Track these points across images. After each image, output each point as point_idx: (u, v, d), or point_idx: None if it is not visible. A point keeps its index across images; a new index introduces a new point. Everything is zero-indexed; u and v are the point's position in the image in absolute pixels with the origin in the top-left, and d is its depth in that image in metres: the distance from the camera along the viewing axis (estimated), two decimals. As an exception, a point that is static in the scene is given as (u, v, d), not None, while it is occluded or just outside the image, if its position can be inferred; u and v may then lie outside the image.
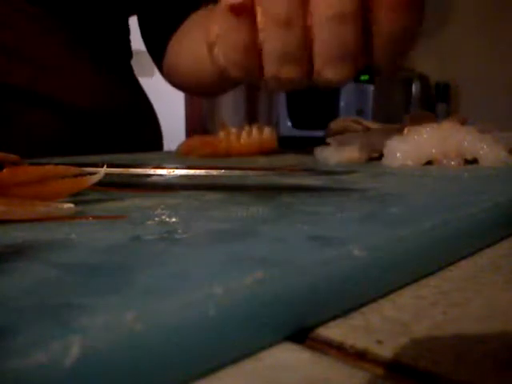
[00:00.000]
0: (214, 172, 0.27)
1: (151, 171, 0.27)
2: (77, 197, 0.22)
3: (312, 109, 1.90)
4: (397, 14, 0.27)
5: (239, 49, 0.30)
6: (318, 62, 0.29)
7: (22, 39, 0.50)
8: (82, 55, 0.55)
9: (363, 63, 0.30)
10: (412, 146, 0.38)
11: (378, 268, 0.16)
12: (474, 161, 0.38)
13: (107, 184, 0.24)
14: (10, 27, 0.49)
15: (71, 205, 0.20)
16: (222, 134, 0.50)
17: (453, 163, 0.38)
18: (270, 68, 0.30)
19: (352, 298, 0.15)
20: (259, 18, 0.29)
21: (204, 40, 0.34)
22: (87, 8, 0.54)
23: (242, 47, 0.30)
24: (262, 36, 0.29)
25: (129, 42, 0.63)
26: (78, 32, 0.54)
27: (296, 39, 0.28)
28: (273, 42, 0.29)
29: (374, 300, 0.15)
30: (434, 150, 0.38)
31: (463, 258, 0.19)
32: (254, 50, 0.30)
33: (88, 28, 0.55)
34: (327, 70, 0.29)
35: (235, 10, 0.29)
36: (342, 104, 1.87)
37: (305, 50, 0.29)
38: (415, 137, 0.38)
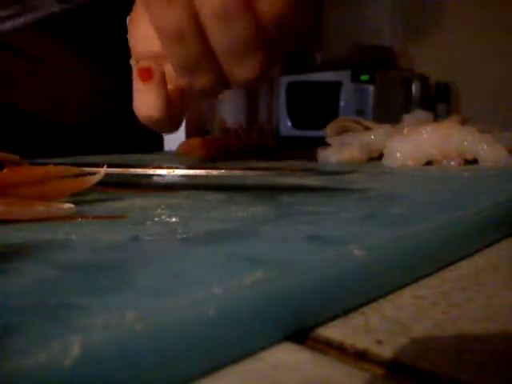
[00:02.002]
0: (213, 172, 0.27)
1: (151, 171, 0.27)
2: (77, 197, 0.22)
3: (312, 109, 1.90)
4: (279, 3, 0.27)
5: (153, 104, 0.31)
6: (224, 64, 0.29)
7: (21, 38, 0.50)
8: (81, 54, 0.55)
9: (273, 55, 0.30)
10: (412, 146, 0.38)
11: (378, 268, 0.16)
12: (474, 161, 0.38)
13: (107, 184, 0.24)
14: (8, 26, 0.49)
15: (71, 205, 0.20)
16: (221, 134, 0.50)
17: (453, 163, 0.38)
18: (183, 83, 0.31)
19: (352, 298, 0.15)
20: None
21: None
22: (86, 7, 0.54)
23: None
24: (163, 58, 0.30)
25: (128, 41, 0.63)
26: (76, 31, 0.54)
27: (193, 49, 0.28)
28: (173, 59, 0.29)
29: (373, 300, 0.15)
30: (433, 150, 0.38)
31: (463, 258, 0.19)
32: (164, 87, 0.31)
33: (87, 27, 0.55)
34: (236, 69, 0.29)
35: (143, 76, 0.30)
36: (341, 104, 1.87)
37: (207, 57, 0.29)
38: (415, 137, 0.38)
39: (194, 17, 0.27)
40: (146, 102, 0.31)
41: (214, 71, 0.29)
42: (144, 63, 0.30)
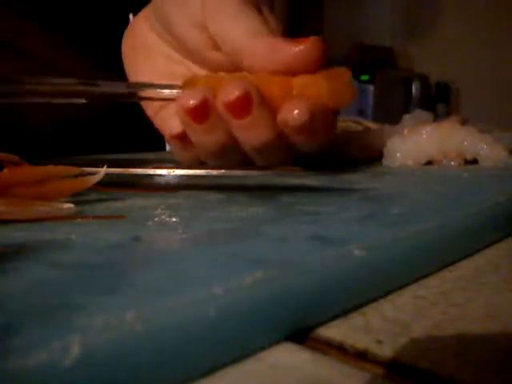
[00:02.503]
0: (213, 172, 0.27)
1: (151, 171, 0.27)
2: (77, 197, 0.22)
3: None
4: (314, 139, 0.29)
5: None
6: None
7: (20, 37, 0.50)
8: (81, 53, 0.55)
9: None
10: (412, 146, 0.38)
11: (377, 268, 0.16)
12: (474, 161, 0.38)
13: (107, 184, 0.24)
14: (8, 25, 0.49)
15: (71, 205, 0.20)
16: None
17: (453, 163, 0.38)
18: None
19: (352, 298, 0.15)
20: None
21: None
22: (86, 6, 0.54)
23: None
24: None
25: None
26: (76, 30, 0.54)
27: (233, 160, 0.30)
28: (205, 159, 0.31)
29: (374, 300, 0.15)
30: (433, 150, 0.38)
31: (463, 258, 0.19)
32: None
33: (87, 25, 0.55)
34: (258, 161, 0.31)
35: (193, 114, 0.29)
36: (341, 104, 1.86)
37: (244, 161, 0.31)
38: (415, 137, 0.38)
39: (234, 140, 0.28)
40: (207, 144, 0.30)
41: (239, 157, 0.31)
42: (190, 99, 0.28)
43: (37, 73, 0.51)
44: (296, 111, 0.26)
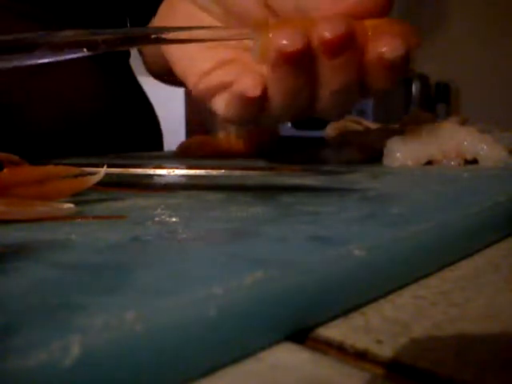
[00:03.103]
0: (213, 172, 0.27)
1: (151, 171, 0.27)
2: (77, 197, 0.22)
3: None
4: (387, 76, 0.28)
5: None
6: (320, 112, 0.30)
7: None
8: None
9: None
10: (412, 146, 0.38)
11: (377, 268, 0.16)
12: (474, 161, 0.38)
13: (107, 184, 0.24)
14: (7, 25, 0.49)
15: (71, 205, 0.20)
16: (221, 134, 0.50)
17: (453, 163, 0.38)
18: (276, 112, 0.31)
19: (352, 298, 0.15)
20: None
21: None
22: (85, 7, 0.54)
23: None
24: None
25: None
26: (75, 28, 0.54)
27: (300, 103, 0.29)
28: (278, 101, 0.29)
29: (374, 300, 0.15)
30: (434, 150, 0.38)
31: (463, 258, 0.19)
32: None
33: (86, 27, 0.55)
34: (330, 109, 0.31)
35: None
36: (341, 104, 1.86)
37: (308, 107, 0.30)
38: (415, 137, 0.38)
39: (313, 83, 0.28)
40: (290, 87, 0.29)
41: (305, 113, 0.31)
42: (291, 40, 0.26)
43: (37, 73, 0.51)
44: (395, 45, 0.26)
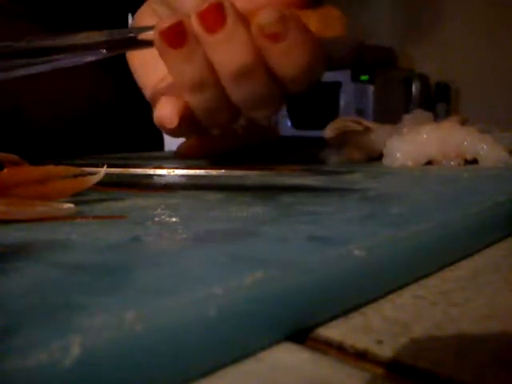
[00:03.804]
0: (213, 172, 0.27)
1: (151, 171, 0.27)
2: (77, 197, 0.22)
3: (312, 109, 1.90)
4: (289, 58, 0.27)
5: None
6: (242, 109, 0.30)
7: (19, 38, 0.50)
8: None
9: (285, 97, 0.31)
10: (412, 146, 0.38)
11: (377, 268, 0.16)
12: (474, 161, 0.38)
13: (107, 184, 0.24)
14: (6, 26, 0.49)
15: (71, 205, 0.20)
16: (219, 132, 0.50)
17: (453, 163, 0.38)
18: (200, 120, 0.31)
19: (352, 298, 0.15)
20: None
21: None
22: (84, 8, 0.54)
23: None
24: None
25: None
26: (75, 29, 0.54)
27: (212, 98, 0.29)
28: (193, 105, 0.29)
29: (374, 300, 0.15)
30: (433, 150, 0.38)
31: (463, 258, 0.19)
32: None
33: (86, 26, 0.55)
34: (253, 114, 0.31)
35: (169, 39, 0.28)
36: (341, 104, 1.87)
37: (225, 103, 0.29)
38: (415, 137, 0.38)
39: (212, 71, 0.27)
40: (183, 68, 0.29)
41: (231, 113, 0.30)
42: (165, 22, 0.27)
43: (35, 73, 0.50)
44: (266, 11, 0.26)
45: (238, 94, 0.28)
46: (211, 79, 0.28)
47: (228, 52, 0.27)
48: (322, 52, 0.29)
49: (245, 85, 0.28)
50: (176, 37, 0.27)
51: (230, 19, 0.26)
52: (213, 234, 0.17)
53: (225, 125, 0.32)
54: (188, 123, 0.30)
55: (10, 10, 0.50)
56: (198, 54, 0.27)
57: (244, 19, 0.26)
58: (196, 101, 0.29)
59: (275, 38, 0.26)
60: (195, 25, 0.26)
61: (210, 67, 0.28)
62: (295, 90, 0.30)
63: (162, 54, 0.28)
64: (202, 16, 0.26)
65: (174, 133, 0.32)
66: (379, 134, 0.42)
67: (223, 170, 0.26)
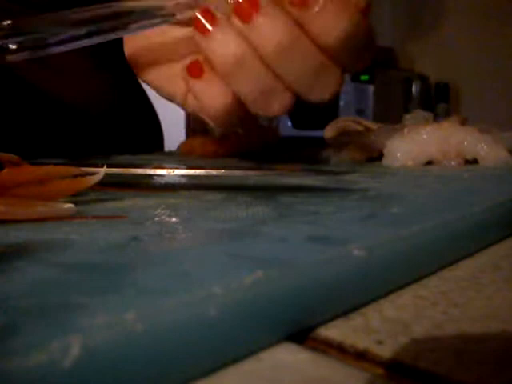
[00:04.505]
0: (213, 172, 0.27)
1: (151, 171, 0.27)
2: (77, 197, 0.22)
3: (312, 109, 1.90)
4: (325, 24, 0.27)
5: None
6: (298, 88, 0.29)
7: None
8: (79, 53, 0.55)
9: (348, 65, 0.29)
10: (412, 146, 0.38)
11: (378, 268, 0.16)
12: (474, 161, 0.38)
13: (107, 184, 0.24)
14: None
15: (71, 205, 0.20)
16: (219, 132, 0.51)
17: (453, 163, 0.38)
18: (260, 112, 0.30)
19: (352, 298, 0.15)
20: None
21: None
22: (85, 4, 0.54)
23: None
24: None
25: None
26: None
27: (259, 77, 0.28)
28: (244, 91, 0.29)
29: (373, 300, 0.15)
30: (433, 150, 0.38)
31: (463, 258, 0.19)
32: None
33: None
34: (312, 91, 0.29)
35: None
36: (341, 104, 1.87)
37: (277, 83, 0.28)
38: (415, 137, 0.38)
39: (254, 50, 0.27)
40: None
41: (288, 96, 0.29)
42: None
43: (37, 74, 0.51)
44: None
45: (287, 71, 0.28)
46: (254, 57, 0.28)
47: (264, 32, 0.27)
48: (365, 22, 0.28)
49: (290, 59, 0.27)
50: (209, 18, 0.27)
51: (264, 3, 0.26)
52: (213, 233, 0.17)
53: (277, 113, 0.30)
54: (237, 111, 0.30)
55: (12, 10, 0.50)
56: (234, 32, 0.27)
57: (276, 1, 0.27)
58: (243, 81, 0.28)
59: (304, 3, 0.26)
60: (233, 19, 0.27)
61: (250, 46, 0.27)
62: (349, 64, 0.29)
63: (203, 33, 0.28)
64: (237, 9, 0.27)
65: (224, 121, 0.31)
66: (379, 134, 0.42)
67: (223, 170, 0.26)
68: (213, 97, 0.29)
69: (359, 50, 0.29)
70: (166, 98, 0.35)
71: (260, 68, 0.28)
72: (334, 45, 0.27)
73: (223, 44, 0.27)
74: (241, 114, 0.30)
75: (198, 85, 0.29)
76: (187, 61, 0.30)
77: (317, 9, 0.26)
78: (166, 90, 0.34)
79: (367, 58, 0.30)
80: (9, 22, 0.28)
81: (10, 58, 0.28)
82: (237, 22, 0.27)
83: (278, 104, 0.29)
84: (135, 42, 0.34)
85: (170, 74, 0.33)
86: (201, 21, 0.27)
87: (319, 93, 0.29)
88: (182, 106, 0.33)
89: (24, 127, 0.51)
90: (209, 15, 0.27)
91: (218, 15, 0.27)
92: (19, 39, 0.28)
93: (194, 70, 0.29)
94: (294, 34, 0.27)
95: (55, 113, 0.53)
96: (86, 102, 0.55)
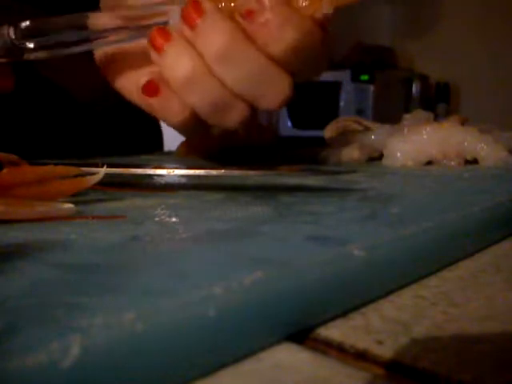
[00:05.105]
0: (213, 172, 0.27)
1: (151, 171, 0.27)
2: (77, 197, 0.22)
3: (312, 109, 1.90)
4: (273, 34, 0.27)
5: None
6: (248, 97, 0.29)
7: None
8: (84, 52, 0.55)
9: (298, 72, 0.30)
10: (412, 146, 0.38)
11: (377, 268, 0.16)
12: (474, 161, 0.38)
13: (107, 184, 0.24)
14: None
15: (71, 205, 0.20)
16: (219, 132, 0.50)
17: (453, 163, 0.38)
18: (216, 124, 0.30)
19: (352, 298, 0.15)
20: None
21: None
22: (90, 7, 0.54)
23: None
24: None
25: None
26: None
27: (211, 90, 0.28)
28: (197, 105, 0.29)
29: (373, 300, 0.15)
30: (434, 150, 0.38)
31: (463, 257, 0.19)
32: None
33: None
34: (263, 98, 0.29)
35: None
36: (341, 104, 1.87)
37: (229, 95, 0.28)
38: (415, 137, 0.38)
39: (204, 63, 0.27)
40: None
41: (242, 106, 0.29)
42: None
43: (36, 73, 0.51)
44: None
45: (232, 78, 0.28)
46: (205, 68, 0.28)
47: (207, 37, 0.27)
48: (321, 33, 0.28)
49: (234, 66, 0.27)
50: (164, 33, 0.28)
51: (208, 12, 0.27)
52: (213, 233, 0.17)
53: (235, 124, 0.30)
54: (199, 122, 0.30)
55: (13, 9, 0.50)
56: (186, 47, 0.28)
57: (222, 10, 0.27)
58: (196, 95, 0.28)
59: (249, 15, 0.27)
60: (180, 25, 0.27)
61: (198, 57, 0.28)
62: (300, 72, 0.29)
63: (157, 50, 0.28)
64: (184, 16, 0.27)
65: (189, 132, 0.31)
66: (379, 134, 0.42)
67: (223, 170, 0.26)
68: (171, 113, 0.30)
69: (311, 60, 0.29)
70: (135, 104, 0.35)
71: (211, 81, 0.28)
72: (280, 54, 0.28)
73: (175, 59, 0.28)
74: (201, 124, 0.31)
75: (155, 103, 0.30)
76: (143, 80, 0.30)
77: (262, 20, 0.27)
78: (135, 99, 0.33)
79: (321, 68, 0.30)
80: (27, 22, 0.29)
81: (27, 56, 0.29)
82: (187, 31, 0.27)
83: (234, 115, 0.29)
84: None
85: (132, 82, 0.32)
86: (155, 38, 0.28)
87: (269, 100, 0.29)
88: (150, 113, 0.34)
89: (24, 127, 0.51)
90: (163, 32, 0.28)
91: (172, 32, 0.28)
92: (38, 39, 0.29)
93: (150, 90, 0.29)
94: (238, 39, 0.27)
95: (55, 113, 0.53)
96: (87, 102, 0.55)
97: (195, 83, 0.28)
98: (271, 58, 0.28)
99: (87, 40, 0.30)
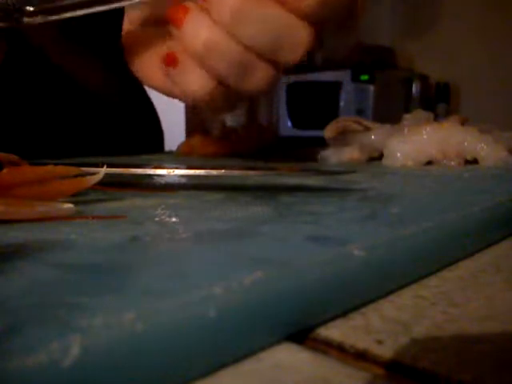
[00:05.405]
0: (213, 172, 0.27)
1: (151, 171, 0.27)
2: (77, 197, 0.22)
3: (312, 109, 1.90)
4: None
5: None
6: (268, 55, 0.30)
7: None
8: (80, 53, 0.55)
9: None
10: (412, 146, 0.38)
11: (378, 268, 0.16)
12: (474, 161, 0.38)
13: (107, 184, 0.24)
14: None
15: (71, 205, 0.20)
16: (219, 132, 0.51)
17: (453, 163, 0.38)
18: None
19: (352, 298, 0.15)
20: None
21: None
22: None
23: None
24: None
25: None
26: (73, 26, 0.54)
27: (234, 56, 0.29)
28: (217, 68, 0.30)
29: (373, 300, 0.15)
30: (434, 150, 0.38)
31: (463, 258, 0.19)
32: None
33: (85, 23, 0.55)
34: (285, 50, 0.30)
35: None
36: (342, 104, 1.87)
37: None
38: (415, 137, 0.38)
39: (219, 25, 0.28)
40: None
41: (266, 67, 0.30)
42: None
43: (34, 72, 0.51)
44: None
45: (248, 35, 0.28)
46: (224, 33, 0.29)
47: (191, 35, 0.29)
48: (309, 30, 0.29)
49: (248, 22, 0.28)
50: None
51: (192, 11, 0.28)
52: (213, 233, 0.17)
53: (262, 87, 0.31)
54: (219, 93, 0.31)
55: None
56: (204, 15, 0.29)
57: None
58: (219, 62, 0.29)
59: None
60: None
61: (218, 23, 0.29)
62: (330, 21, 0.30)
63: (177, 23, 0.29)
64: (169, 17, 0.29)
65: (211, 105, 0.32)
66: (379, 133, 0.42)
67: (223, 170, 0.26)
68: (192, 82, 0.31)
69: (338, 7, 0.29)
70: (152, 88, 0.36)
71: (231, 43, 0.29)
72: (296, 7, 0.28)
73: (195, 28, 0.29)
74: (225, 95, 0.31)
75: (176, 73, 0.31)
76: (163, 51, 0.31)
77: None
78: (147, 80, 0.35)
79: (355, 11, 0.31)
80: None
81: (27, 20, 0.29)
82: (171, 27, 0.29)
83: (259, 77, 0.30)
84: (125, 25, 0.36)
85: (151, 64, 0.34)
86: (174, 13, 0.29)
87: (288, 53, 0.30)
88: (168, 95, 0.35)
89: (24, 127, 0.51)
90: (181, 6, 0.29)
91: (189, 4, 0.29)
92: (35, 2, 0.30)
93: (170, 60, 0.31)
94: (218, 35, 0.28)
95: (55, 113, 0.53)
96: (87, 102, 0.55)
97: (216, 48, 0.29)
98: (288, 11, 0.28)
99: (88, 2, 0.30)
